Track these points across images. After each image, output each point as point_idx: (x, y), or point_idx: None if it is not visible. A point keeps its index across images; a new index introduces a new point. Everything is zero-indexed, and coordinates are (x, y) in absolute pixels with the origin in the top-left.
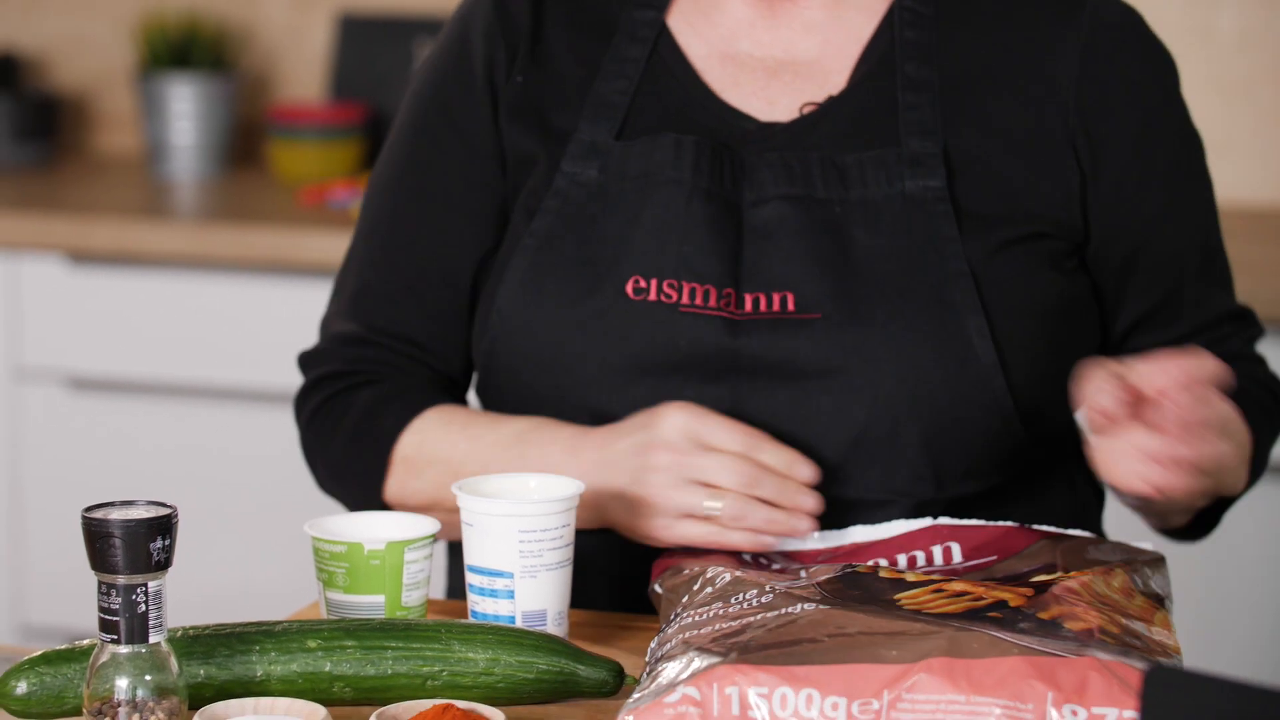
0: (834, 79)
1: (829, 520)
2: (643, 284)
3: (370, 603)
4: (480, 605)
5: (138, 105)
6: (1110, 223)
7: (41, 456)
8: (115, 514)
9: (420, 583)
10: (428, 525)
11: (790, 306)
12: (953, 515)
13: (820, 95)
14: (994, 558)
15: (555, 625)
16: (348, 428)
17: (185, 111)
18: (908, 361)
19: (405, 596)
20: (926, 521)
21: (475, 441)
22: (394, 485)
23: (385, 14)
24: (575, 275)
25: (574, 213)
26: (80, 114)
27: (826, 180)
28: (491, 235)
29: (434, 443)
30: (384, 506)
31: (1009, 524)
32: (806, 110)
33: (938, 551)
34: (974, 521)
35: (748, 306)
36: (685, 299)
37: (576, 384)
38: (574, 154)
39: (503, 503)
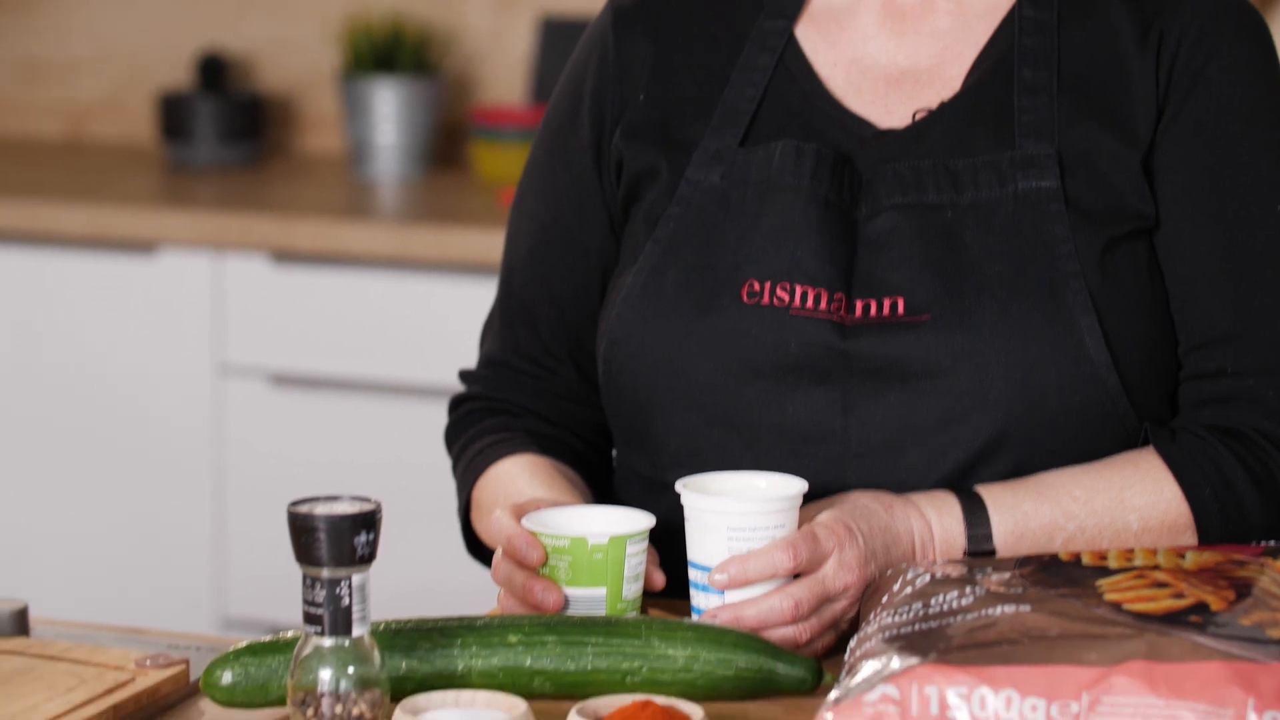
0: (950, 84)
1: None
2: (756, 288)
3: (592, 596)
4: (697, 600)
5: (342, 107)
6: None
7: (244, 452)
8: (320, 508)
9: (639, 575)
10: (645, 520)
11: (900, 310)
12: None
13: (935, 100)
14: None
15: None
16: (458, 455)
17: (388, 114)
18: (1018, 362)
19: (626, 589)
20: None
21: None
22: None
23: (587, 15)
24: (695, 280)
25: (695, 218)
26: (285, 115)
27: (939, 185)
28: (606, 258)
29: (491, 489)
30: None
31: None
32: (920, 116)
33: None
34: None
35: (858, 312)
36: (797, 302)
37: (690, 386)
38: (699, 161)
39: (717, 499)
